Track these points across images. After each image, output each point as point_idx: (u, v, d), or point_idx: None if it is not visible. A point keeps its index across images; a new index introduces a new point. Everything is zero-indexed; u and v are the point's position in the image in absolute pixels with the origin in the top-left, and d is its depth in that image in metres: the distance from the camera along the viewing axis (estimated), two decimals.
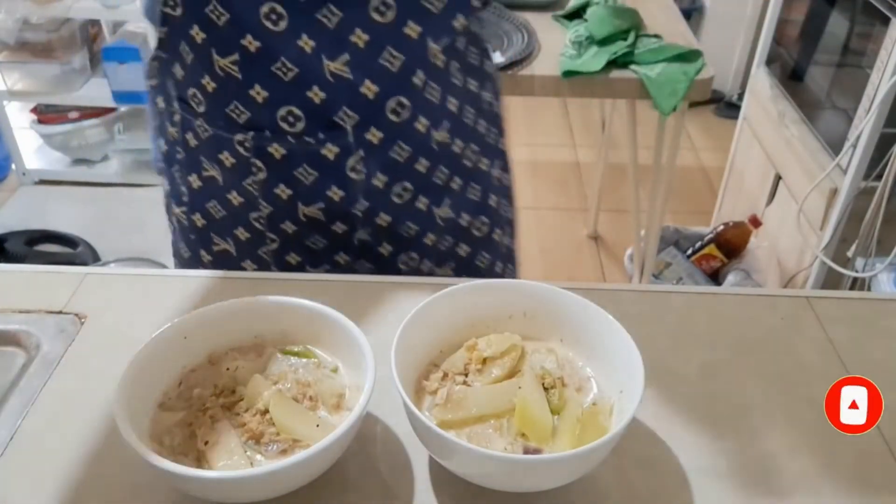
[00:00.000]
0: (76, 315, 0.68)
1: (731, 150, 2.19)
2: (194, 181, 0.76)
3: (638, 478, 0.55)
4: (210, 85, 0.69)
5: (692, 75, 1.52)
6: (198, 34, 0.66)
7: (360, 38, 0.65)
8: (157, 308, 0.70)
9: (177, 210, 0.81)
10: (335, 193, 0.72)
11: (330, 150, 0.70)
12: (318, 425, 0.54)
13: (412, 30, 0.67)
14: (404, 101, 0.69)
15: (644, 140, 1.85)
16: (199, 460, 0.52)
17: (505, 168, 0.86)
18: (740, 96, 2.47)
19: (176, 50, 0.69)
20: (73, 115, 2.52)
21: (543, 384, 0.57)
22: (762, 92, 1.97)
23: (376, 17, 0.65)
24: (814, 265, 1.66)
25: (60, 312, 0.69)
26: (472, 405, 0.55)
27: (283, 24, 0.64)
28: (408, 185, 0.74)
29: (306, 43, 0.65)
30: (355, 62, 0.66)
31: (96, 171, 2.64)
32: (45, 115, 2.52)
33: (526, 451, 0.53)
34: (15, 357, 0.65)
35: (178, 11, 0.66)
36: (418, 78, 0.69)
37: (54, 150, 2.63)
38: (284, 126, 0.69)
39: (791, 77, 1.87)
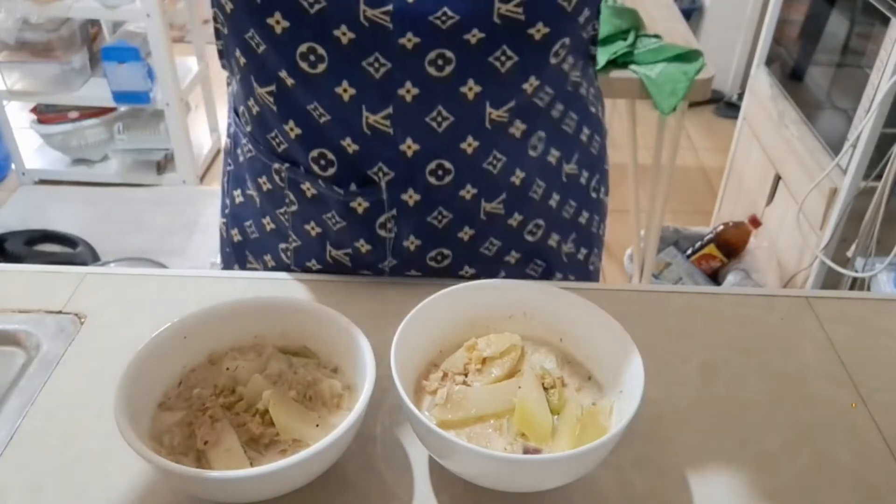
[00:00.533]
0: (76, 315, 0.68)
1: (730, 150, 2.19)
2: (237, 196, 0.75)
3: (638, 478, 0.55)
4: (254, 108, 0.65)
5: (692, 75, 1.52)
6: (240, 58, 0.62)
7: (409, 91, 0.58)
8: (157, 308, 0.70)
9: (220, 219, 0.80)
10: (362, 246, 0.69)
11: (360, 205, 0.65)
12: (317, 425, 0.54)
13: (470, 90, 0.59)
14: (447, 164, 0.63)
15: (644, 140, 1.85)
16: (199, 460, 0.52)
17: (584, 242, 0.77)
18: (740, 96, 2.47)
19: (230, 65, 0.67)
20: (73, 115, 2.52)
21: (543, 384, 0.57)
22: (762, 92, 1.97)
23: (431, 70, 0.57)
24: (813, 265, 1.66)
25: (60, 312, 0.69)
26: (472, 405, 0.55)
27: (321, 67, 0.58)
28: (446, 251, 0.69)
29: (345, 90, 0.59)
30: (398, 117, 0.60)
31: (96, 170, 2.64)
32: (45, 114, 2.53)
33: (526, 451, 0.53)
34: (15, 357, 0.65)
35: (225, 31, 0.63)
36: (468, 144, 0.62)
37: (54, 149, 2.64)
38: (316, 168, 0.65)
39: (791, 77, 1.87)
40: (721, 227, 2.06)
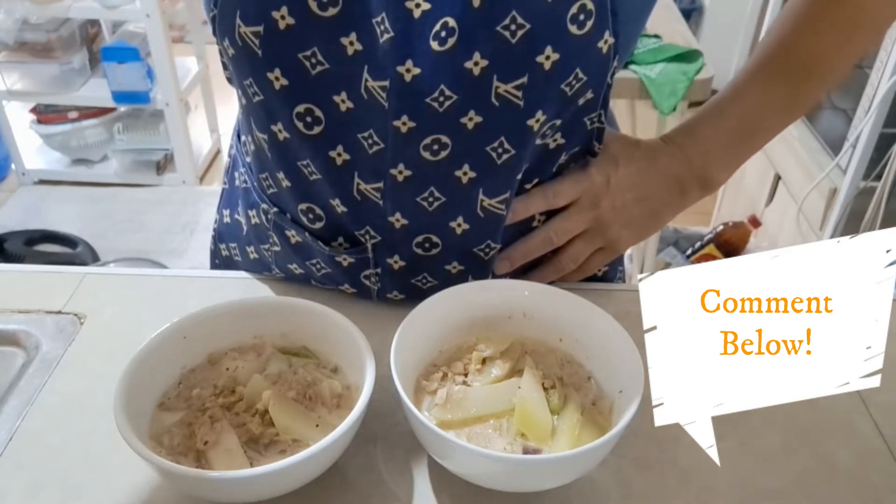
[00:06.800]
0: (75, 315, 0.68)
1: None
2: (226, 215, 0.75)
3: (638, 478, 0.55)
4: (251, 145, 0.64)
5: (692, 75, 1.52)
6: (241, 98, 0.60)
7: (401, 172, 0.57)
8: (157, 308, 0.70)
9: (213, 231, 0.79)
10: (347, 289, 0.68)
11: (344, 259, 0.65)
12: (317, 425, 0.54)
13: (465, 174, 0.58)
14: (435, 239, 0.63)
15: None
16: (199, 460, 0.52)
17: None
18: None
19: (237, 93, 0.64)
20: (73, 115, 2.53)
21: (543, 384, 0.57)
22: None
23: (426, 154, 0.56)
24: None
25: (60, 312, 0.69)
26: (472, 405, 0.55)
27: (317, 129, 0.57)
28: None
29: (339, 155, 0.58)
30: (389, 193, 0.59)
31: (96, 171, 2.64)
32: (45, 115, 2.53)
33: (526, 451, 0.53)
34: (14, 357, 0.65)
35: (227, 74, 0.61)
36: (457, 224, 0.61)
37: (54, 150, 2.64)
38: (304, 220, 0.64)
39: None
40: (721, 228, 2.06)
